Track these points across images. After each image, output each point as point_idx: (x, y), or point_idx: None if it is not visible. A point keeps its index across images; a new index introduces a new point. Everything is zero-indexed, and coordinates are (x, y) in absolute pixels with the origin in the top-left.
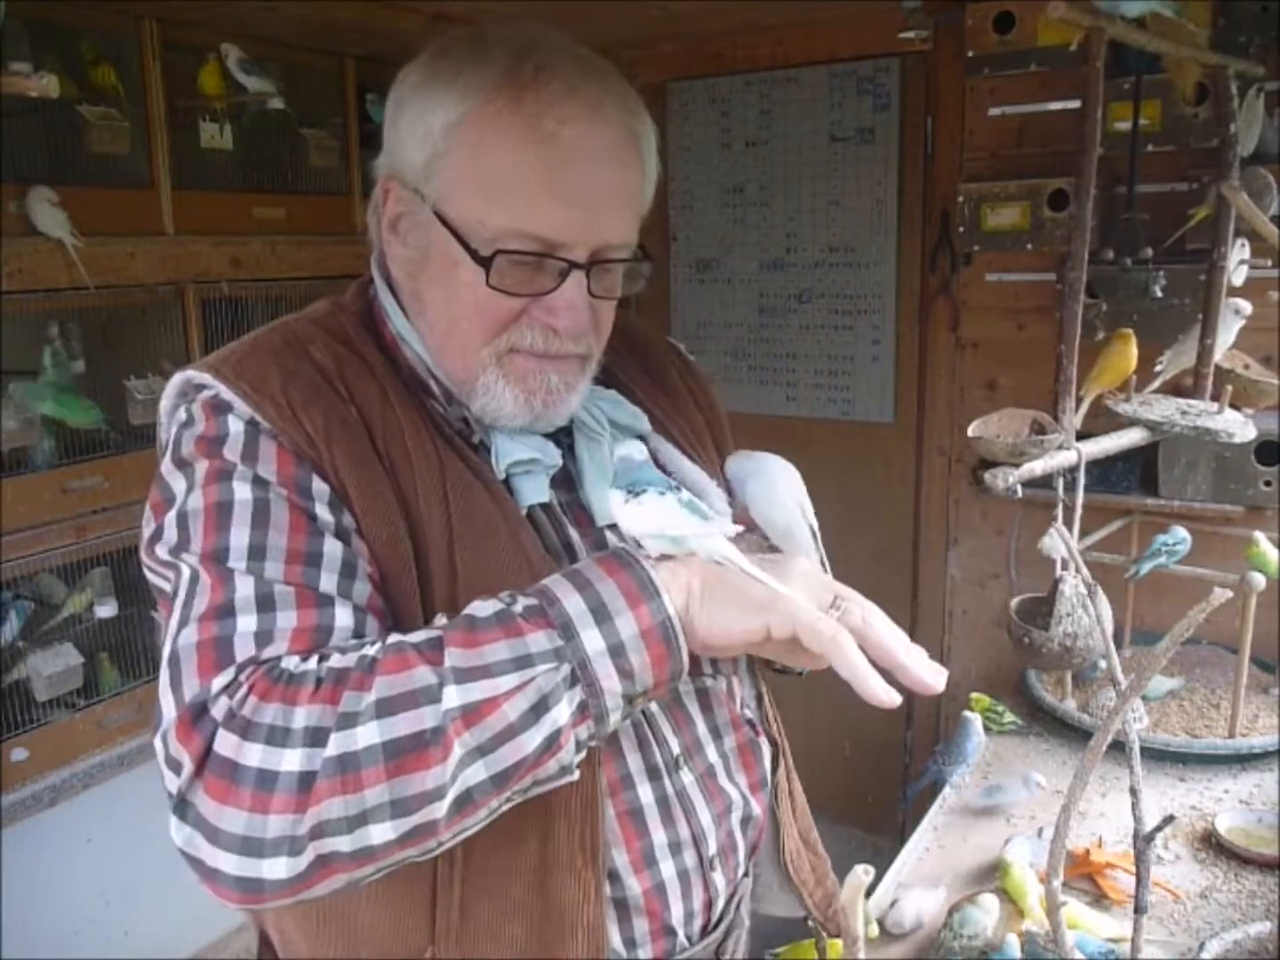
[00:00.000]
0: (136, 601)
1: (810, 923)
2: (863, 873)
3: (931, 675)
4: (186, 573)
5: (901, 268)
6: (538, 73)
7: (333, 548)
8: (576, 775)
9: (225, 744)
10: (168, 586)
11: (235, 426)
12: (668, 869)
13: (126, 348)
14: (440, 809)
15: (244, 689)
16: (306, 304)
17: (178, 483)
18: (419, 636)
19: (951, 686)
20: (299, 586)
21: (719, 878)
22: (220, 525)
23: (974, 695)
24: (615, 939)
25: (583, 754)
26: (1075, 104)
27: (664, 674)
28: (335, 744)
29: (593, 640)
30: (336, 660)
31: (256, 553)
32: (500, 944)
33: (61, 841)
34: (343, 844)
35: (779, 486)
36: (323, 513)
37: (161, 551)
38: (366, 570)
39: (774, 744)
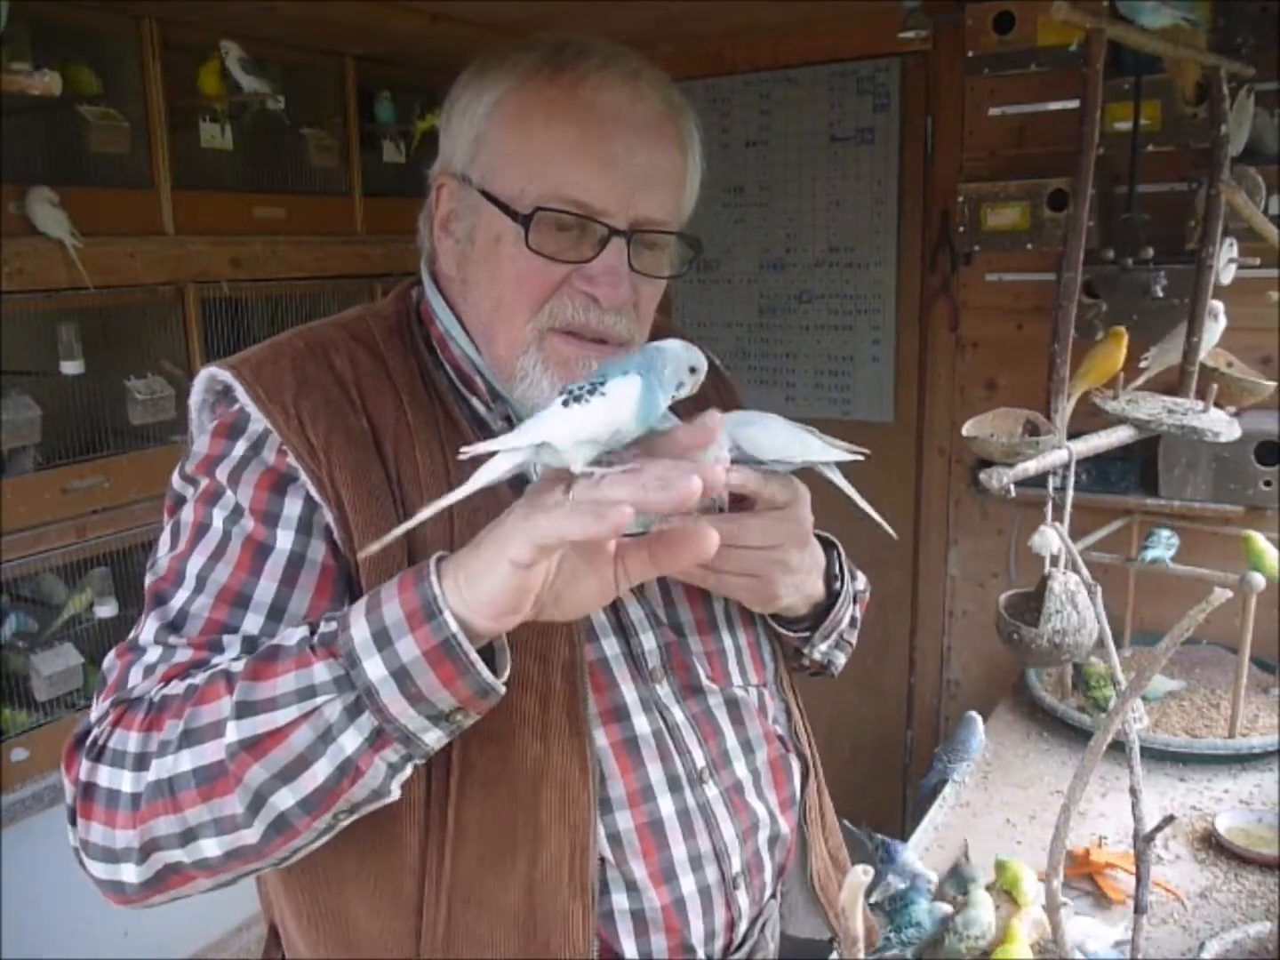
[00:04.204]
0: (137, 601)
1: (836, 945)
2: (861, 873)
3: (684, 541)
4: (147, 590)
5: (901, 268)
6: (578, 53)
7: (264, 591)
8: (396, 795)
9: (84, 769)
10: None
11: (239, 450)
12: (688, 884)
13: (126, 348)
14: (249, 835)
15: (109, 718)
16: (306, 304)
17: (187, 490)
18: (239, 665)
19: (951, 686)
20: (215, 624)
21: (743, 897)
22: (190, 545)
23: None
24: (632, 954)
25: (405, 773)
26: (1075, 104)
27: (464, 691)
28: (154, 770)
29: (374, 667)
30: (172, 687)
31: (200, 584)
32: (487, 956)
33: (61, 841)
34: (179, 856)
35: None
36: (284, 542)
37: (153, 554)
38: (306, 603)
39: (804, 761)
